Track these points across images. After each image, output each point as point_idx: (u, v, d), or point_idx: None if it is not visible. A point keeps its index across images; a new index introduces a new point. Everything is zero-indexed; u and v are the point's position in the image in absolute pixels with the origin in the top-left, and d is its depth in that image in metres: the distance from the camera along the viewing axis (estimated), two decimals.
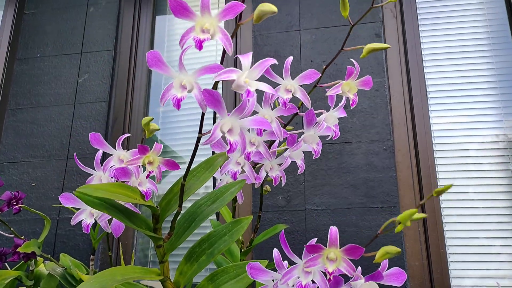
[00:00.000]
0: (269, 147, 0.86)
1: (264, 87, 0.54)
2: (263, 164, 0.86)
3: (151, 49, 2.15)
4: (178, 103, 0.54)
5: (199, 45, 0.52)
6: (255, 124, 0.58)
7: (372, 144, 1.70)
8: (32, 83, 2.05)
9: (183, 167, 0.67)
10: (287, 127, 0.88)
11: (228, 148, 0.56)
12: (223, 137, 0.58)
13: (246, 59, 0.53)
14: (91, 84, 2.00)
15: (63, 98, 1.99)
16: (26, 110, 2.01)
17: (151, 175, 0.65)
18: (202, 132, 0.59)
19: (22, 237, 1.01)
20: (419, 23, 1.91)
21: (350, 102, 0.77)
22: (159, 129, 0.69)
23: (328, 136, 0.83)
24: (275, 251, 0.61)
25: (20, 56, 2.12)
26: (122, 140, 0.73)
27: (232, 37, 0.54)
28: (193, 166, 0.70)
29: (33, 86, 2.04)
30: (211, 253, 0.79)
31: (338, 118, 0.86)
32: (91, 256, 1.00)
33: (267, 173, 0.86)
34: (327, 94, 0.77)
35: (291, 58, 0.77)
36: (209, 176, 0.73)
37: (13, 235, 1.02)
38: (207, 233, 0.81)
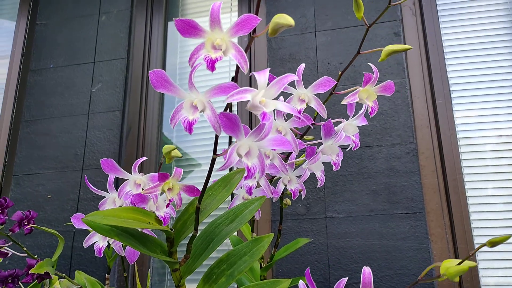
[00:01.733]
0: (287, 158, 0.81)
1: (283, 107, 0.49)
2: (280, 177, 0.81)
3: (163, 55, 2.12)
4: (190, 127, 0.49)
5: (211, 65, 0.47)
6: (275, 144, 0.53)
7: (393, 147, 1.64)
8: (45, 94, 2.03)
9: (202, 175, 0.62)
10: (306, 137, 0.83)
11: (246, 173, 0.51)
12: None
13: (262, 77, 0.48)
14: (104, 93, 1.98)
15: (77, 108, 1.97)
16: (40, 122, 2.00)
17: (153, 197, 0.61)
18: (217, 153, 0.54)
19: (35, 256, 0.98)
20: (440, 20, 1.83)
21: (369, 111, 0.71)
22: (181, 156, 0.65)
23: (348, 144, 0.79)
24: (301, 284, 0.56)
25: (33, 67, 2.11)
26: (138, 164, 0.69)
27: (246, 51, 0.49)
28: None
29: (46, 97, 2.03)
30: (231, 274, 0.75)
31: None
32: (106, 275, 0.97)
33: (286, 186, 0.81)
34: (343, 102, 0.72)
35: (303, 65, 0.72)
36: (226, 195, 0.68)
37: (26, 255, 0.99)
38: (226, 253, 0.77)
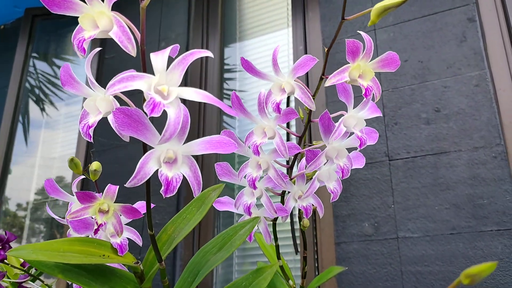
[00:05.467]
0: (292, 168, 0.66)
1: (191, 94, 0.37)
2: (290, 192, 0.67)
3: (221, 78, 2.08)
4: (87, 131, 0.40)
5: (81, 47, 0.37)
6: (210, 147, 0.41)
7: (476, 151, 1.38)
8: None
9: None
10: (315, 142, 0.68)
11: (164, 187, 0.40)
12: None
13: (159, 58, 0.37)
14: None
15: None
16: (108, 151, 2.05)
17: (102, 228, 0.51)
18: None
19: None
20: None
21: (363, 92, 0.54)
22: (96, 169, 0.54)
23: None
24: None
25: None
26: (76, 183, 0.61)
27: (142, 31, 0.38)
28: None
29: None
30: None
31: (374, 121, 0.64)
32: None
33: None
34: (326, 84, 0.56)
35: (279, 46, 0.58)
36: (199, 217, 0.57)
37: None
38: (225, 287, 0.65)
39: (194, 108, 1.96)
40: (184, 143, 0.42)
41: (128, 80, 0.36)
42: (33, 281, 0.95)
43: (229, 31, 2.21)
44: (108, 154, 2.05)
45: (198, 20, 2.14)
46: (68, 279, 0.51)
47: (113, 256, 0.54)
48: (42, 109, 2.70)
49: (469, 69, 1.47)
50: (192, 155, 0.42)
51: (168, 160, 0.40)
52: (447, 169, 1.40)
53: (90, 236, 0.61)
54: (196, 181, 0.41)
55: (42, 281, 0.94)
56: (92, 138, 0.42)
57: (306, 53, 1.82)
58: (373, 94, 0.55)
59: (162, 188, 0.40)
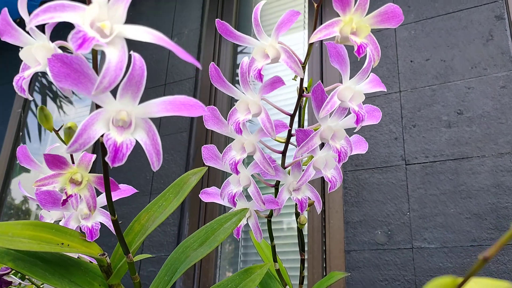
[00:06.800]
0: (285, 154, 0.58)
1: (139, 33, 0.30)
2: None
3: (233, 77, 2.01)
4: (20, 85, 0.33)
5: None
6: (173, 108, 0.34)
7: (501, 158, 1.27)
8: None
9: None
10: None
11: (110, 155, 0.32)
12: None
13: None
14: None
15: None
16: None
17: (74, 205, 0.44)
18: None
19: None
20: None
21: (354, 50, 0.45)
22: (71, 127, 0.46)
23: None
24: None
25: None
26: (50, 149, 0.54)
27: None
28: None
29: None
30: None
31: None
32: None
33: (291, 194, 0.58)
34: (310, 40, 0.47)
35: (262, 3, 0.50)
36: (176, 204, 0.49)
37: (29, 284, 0.88)
38: None
39: (205, 95, 1.89)
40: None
41: (56, 10, 0.29)
42: (23, 279, 0.89)
43: (244, 30, 2.15)
44: None
45: (212, 16, 2.08)
46: (20, 269, 0.44)
47: (74, 245, 0.47)
48: (59, 107, 2.67)
49: (496, 69, 1.36)
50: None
51: (123, 124, 0.32)
52: (469, 176, 1.29)
53: (60, 219, 0.54)
54: (155, 149, 0.33)
55: (26, 279, 0.88)
56: (26, 93, 0.35)
57: (322, 52, 1.74)
58: (370, 56, 0.46)
59: (108, 155, 0.32)
